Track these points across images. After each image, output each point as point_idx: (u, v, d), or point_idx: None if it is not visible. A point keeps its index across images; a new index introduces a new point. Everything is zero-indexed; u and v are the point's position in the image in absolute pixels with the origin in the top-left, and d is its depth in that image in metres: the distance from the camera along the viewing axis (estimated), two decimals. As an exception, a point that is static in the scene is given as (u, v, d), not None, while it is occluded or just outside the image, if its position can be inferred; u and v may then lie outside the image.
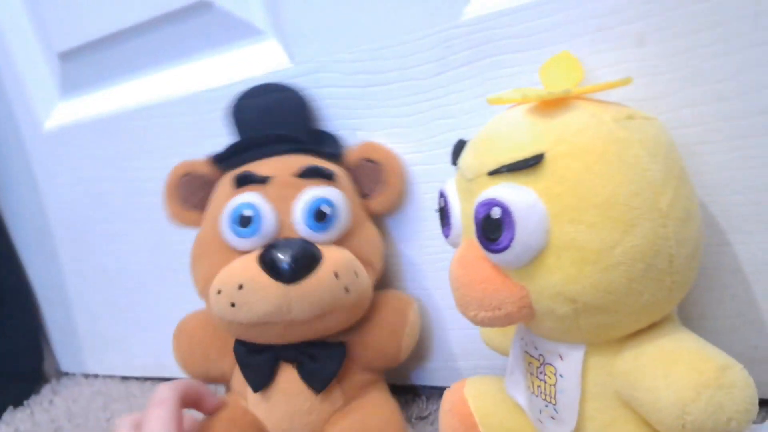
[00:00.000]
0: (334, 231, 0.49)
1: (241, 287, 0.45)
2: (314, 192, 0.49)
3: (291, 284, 0.45)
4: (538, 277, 0.34)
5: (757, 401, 0.32)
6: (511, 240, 0.34)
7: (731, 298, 0.44)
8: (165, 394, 0.46)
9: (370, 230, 0.53)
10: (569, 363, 0.38)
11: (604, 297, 0.34)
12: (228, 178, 0.50)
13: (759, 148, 0.40)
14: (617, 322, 0.35)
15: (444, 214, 0.40)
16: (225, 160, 0.53)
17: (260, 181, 0.48)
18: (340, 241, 0.50)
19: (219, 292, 0.46)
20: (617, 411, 0.37)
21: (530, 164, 0.34)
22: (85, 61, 0.69)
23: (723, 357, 0.33)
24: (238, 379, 0.52)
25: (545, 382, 0.40)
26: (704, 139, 0.41)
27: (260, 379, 0.49)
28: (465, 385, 0.47)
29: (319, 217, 0.48)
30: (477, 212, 0.35)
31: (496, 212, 0.34)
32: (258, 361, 0.49)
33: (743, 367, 0.33)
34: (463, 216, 0.38)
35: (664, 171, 0.34)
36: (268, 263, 0.45)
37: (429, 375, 0.60)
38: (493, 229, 0.34)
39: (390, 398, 0.55)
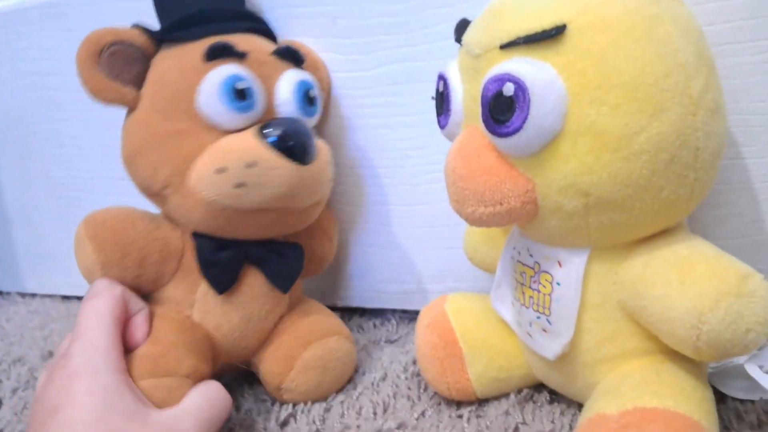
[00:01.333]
0: (316, 117, 0.47)
1: (252, 165, 0.41)
2: (299, 74, 0.45)
3: (305, 165, 0.42)
4: (548, 167, 0.31)
5: None
6: (524, 121, 0.30)
7: (737, 217, 0.41)
8: (102, 284, 0.41)
9: None
10: (569, 269, 0.35)
11: (621, 190, 0.30)
12: (190, 51, 0.44)
13: (788, 50, 0.37)
14: (630, 220, 0.32)
15: (443, 99, 0.35)
16: (170, 31, 0.45)
17: (239, 55, 0.43)
18: None
19: (222, 170, 0.41)
20: (619, 323, 0.34)
21: (550, 35, 0.30)
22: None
23: (742, 265, 0.30)
24: (180, 287, 0.46)
25: (539, 292, 0.36)
26: (730, 39, 0.38)
27: (226, 279, 0.45)
28: (446, 301, 0.44)
29: (309, 100, 0.46)
30: (486, 89, 0.31)
31: (509, 89, 0.30)
32: (224, 258, 0.45)
33: (764, 277, 0.30)
34: (465, 99, 0.34)
35: (696, 55, 0.30)
36: (282, 141, 0.41)
37: (399, 298, 0.57)
38: (503, 108, 0.30)
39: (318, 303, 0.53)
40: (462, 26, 0.35)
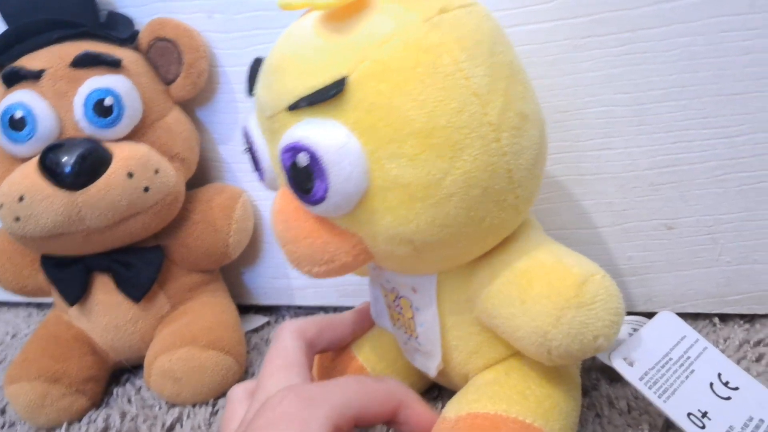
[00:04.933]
0: (124, 125, 0.45)
1: (21, 199, 0.41)
2: (93, 83, 0.43)
3: (77, 190, 0.41)
4: (367, 222, 0.29)
5: (622, 309, 0.30)
6: (326, 190, 0.28)
7: (607, 206, 0.41)
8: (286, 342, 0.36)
9: (176, 120, 0.48)
10: (422, 295, 0.34)
11: (442, 231, 0.29)
12: None
13: (648, 42, 0.36)
14: (463, 251, 0.31)
15: (252, 156, 0.33)
16: None
17: (32, 76, 0.42)
18: (137, 136, 0.46)
19: (1, 206, 0.42)
20: (480, 336, 0.34)
21: (332, 94, 0.28)
22: None
23: (580, 268, 0.30)
24: (57, 293, 0.49)
25: (403, 316, 0.36)
26: (590, 32, 0.37)
27: (74, 292, 0.46)
28: None
29: (103, 111, 0.43)
30: (282, 160, 0.29)
31: (302, 159, 0.28)
32: (68, 274, 0.46)
33: (605, 274, 0.30)
34: (272, 160, 0.32)
35: (489, 74, 0.29)
36: (48, 169, 0.41)
37: (292, 293, 0.56)
38: (304, 178, 0.28)
39: (223, 299, 0.52)
40: (255, 70, 0.32)
